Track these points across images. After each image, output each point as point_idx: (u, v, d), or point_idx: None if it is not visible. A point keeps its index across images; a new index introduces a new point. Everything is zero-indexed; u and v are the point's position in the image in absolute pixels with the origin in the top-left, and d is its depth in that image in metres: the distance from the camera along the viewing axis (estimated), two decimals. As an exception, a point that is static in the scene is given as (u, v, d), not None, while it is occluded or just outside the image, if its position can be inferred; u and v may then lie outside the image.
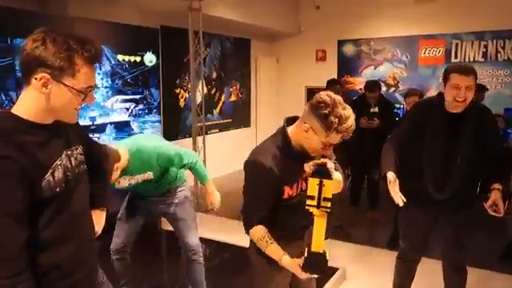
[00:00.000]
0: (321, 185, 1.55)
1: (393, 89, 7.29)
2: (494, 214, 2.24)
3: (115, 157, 2.28)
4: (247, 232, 1.80)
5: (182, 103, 6.26)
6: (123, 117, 4.53)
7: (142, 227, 2.86)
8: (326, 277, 3.21)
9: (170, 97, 5.96)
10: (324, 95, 1.66)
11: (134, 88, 4.65)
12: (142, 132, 4.74)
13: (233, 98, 7.46)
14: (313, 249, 1.61)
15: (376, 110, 4.72)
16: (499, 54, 6.47)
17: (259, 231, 1.76)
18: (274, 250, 1.75)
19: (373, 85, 4.82)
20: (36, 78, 1.20)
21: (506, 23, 6.25)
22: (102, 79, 4.25)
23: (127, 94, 4.57)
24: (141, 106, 4.74)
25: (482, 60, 6.57)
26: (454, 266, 2.62)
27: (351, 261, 3.75)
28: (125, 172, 2.45)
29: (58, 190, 1.27)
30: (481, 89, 5.27)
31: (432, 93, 5.81)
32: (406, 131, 2.53)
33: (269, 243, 1.74)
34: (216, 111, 7.03)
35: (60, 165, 1.29)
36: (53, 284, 1.29)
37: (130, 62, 4.56)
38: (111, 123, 4.39)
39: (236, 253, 3.76)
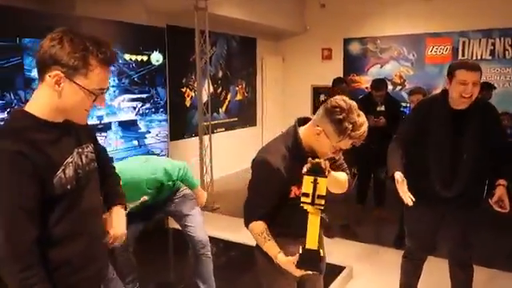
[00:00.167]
0: (315, 182, 1.56)
1: (399, 87, 7.26)
2: (499, 209, 2.24)
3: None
4: (246, 226, 1.84)
5: (188, 102, 6.28)
6: (130, 116, 4.56)
7: (141, 231, 2.88)
8: (332, 275, 3.21)
9: (177, 96, 5.98)
10: (340, 100, 1.67)
11: (140, 87, 4.67)
12: (149, 131, 4.77)
13: (239, 97, 7.47)
14: (307, 246, 1.63)
15: (382, 108, 4.71)
16: (507, 52, 6.42)
17: (258, 226, 1.79)
18: (270, 247, 1.78)
19: (379, 83, 4.81)
20: (50, 76, 1.22)
21: (513, 21, 6.21)
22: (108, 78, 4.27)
23: (134, 93, 4.59)
24: (148, 105, 4.76)
25: (490, 58, 6.53)
26: (461, 263, 2.61)
27: (358, 259, 3.75)
28: None
29: (69, 187, 1.29)
30: (488, 87, 5.22)
31: (439, 91, 5.78)
32: (410, 131, 2.53)
33: (266, 239, 1.78)
34: (222, 110, 7.05)
35: (71, 162, 1.31)
36: (63, 279, 1.31)
37: (136, 61, 4.59)
38: (118, 122, 4.41)
39: (243, 251, 3.77)
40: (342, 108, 1.64)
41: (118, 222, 1.58)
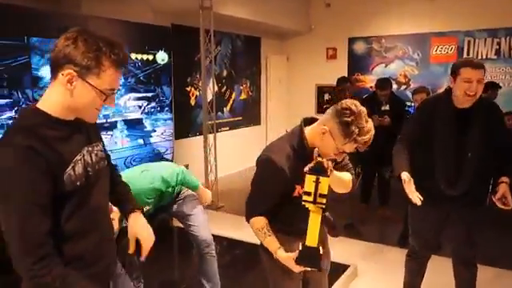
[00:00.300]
0: (317, 181, 1.58)
1: (404, 86, 7.25)
2: (502, 206, 2.24)
3: None
4: (247, 220, 1.86)
5: (192, 101, 6.30)
6: (136, 114, 4.59)
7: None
8: (337, 273, 3.23)
9: (182, 95, 6.01)
10: (350, 103, 1.69)
11: (146, 86, 4.70)
12: (154, 130, 4.79)
13: (243, 96, 7.49)
14: (307, 243, 1.66)
15: (387, 108, 4.71)
16: (512, 52, 6.41)
17: (259, 222, 1.81)
18: (270, 243, 1.81)
19: (384, 83, 4.81)
20: (63, 74, 1.24)
21: (519, 20, 6.18)
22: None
23: (140, 92, 4.62)
24: (153, 104, 4.79)
25: (495, 57, 6.51)
26: (465, 262, 2.62)
27: (362, 258, 3.77)
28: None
29: (78, 183, 1.31)
30: (493, 87, 5.21)
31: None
32: (415, 131, 2.53)
33: (267, 235, 1.81)
34: (226, 109, 7.07)
35: (80, 160, 1.33)
36: (76, 272, 1.33)
37: (142, 60, 4.62)
38: (124, 121, 4.44)
39: (247, 249, 3.78)
40: (352, 111, 1.65)
41: (142, 231, 1.54)
